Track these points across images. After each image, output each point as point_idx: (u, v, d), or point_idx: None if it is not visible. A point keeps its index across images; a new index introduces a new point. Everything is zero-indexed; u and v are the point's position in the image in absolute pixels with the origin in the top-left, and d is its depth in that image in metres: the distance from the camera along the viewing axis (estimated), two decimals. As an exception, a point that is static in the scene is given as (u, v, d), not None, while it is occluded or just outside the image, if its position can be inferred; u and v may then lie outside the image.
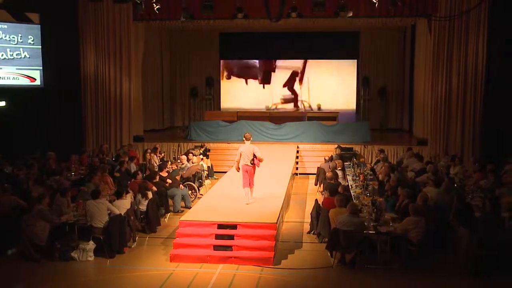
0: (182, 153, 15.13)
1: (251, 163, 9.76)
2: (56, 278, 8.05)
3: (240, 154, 9.87)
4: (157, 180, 11.37)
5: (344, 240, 8.05)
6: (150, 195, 10.25)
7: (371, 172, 12.56)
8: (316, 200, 10.03)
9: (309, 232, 9.88)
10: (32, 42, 15.72)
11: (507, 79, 14.62)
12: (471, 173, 11.61)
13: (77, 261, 8.53)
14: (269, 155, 15.76)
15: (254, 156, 9.76)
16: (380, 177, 11.66)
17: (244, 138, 10.07)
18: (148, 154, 14.32)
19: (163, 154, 15.55)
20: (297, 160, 16.14)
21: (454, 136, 15.42)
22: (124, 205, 9.29)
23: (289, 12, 14.58)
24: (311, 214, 9.93)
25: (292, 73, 22.02)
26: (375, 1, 13.87)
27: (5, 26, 15.22)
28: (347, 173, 12.53)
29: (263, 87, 22.12)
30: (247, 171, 9.80)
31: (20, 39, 15.55)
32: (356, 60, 21.68)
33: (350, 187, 10.88)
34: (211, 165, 14.95)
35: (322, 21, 17.36)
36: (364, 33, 21.26)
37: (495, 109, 14.77)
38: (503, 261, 7.76)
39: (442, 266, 8.12)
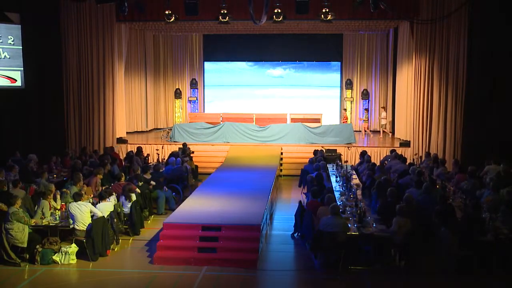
0: (166, 155, 15.03)
1: None
2: (37, 282, 7.92)
3: None
4: (141, 182, 11.27)
5: (327, 242, 8.09)
6: (133, 197, 10.17)
7: (355, 174, 12.64)
8: (300, 201, 10.06)
9: (293, 234, 9.90)
10: (12, 43, 15.48)
11: (488, 81, 14.87)
12: (453, 175, 11.76)
13: (59, 264, 8.41)
14: (253, 157, 15.88)
15: None
16: (363, 178, 11.74)
17: None
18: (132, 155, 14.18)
19: (147, 155, 15.41)
20: (281, 162, 16.18)
21: (436, 138, 15.62)
22: (107, 207, 9.20)
23: (273, 15, 14.61)
24: (295, 215, 9.95)
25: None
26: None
27: (-16, 26, 15.00)
28: (331, 174, 12.58)
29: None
30: None
31: (0, 39, 15.30)
32: (339, 63, 21.85)
33: (333, 188, 10.93)
34: (195, 166, 14.88)
35: (306, 23, 17.48)
36: (347, 35, 21.43)
37: (476, 111, 15.02)
38: (484, 261, 7.87)
39: (426, 266, 8.20)
